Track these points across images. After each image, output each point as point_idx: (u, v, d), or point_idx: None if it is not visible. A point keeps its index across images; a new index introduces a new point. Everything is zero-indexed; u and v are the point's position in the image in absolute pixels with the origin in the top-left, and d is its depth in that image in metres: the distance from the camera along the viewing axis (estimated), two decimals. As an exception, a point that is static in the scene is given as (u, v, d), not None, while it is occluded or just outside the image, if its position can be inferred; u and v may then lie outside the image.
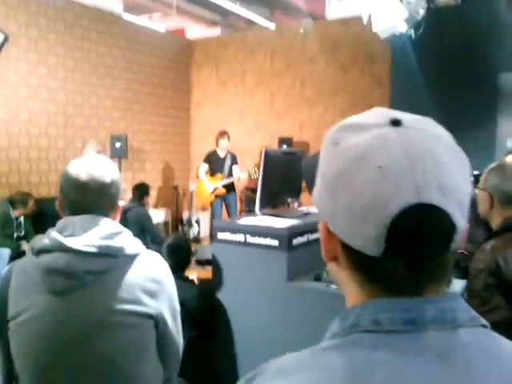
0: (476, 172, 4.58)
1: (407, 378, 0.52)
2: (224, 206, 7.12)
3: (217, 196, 7.02)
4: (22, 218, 5.42)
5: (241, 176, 6.98)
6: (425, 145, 0.56)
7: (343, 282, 0.64)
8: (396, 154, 0.55)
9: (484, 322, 0.59)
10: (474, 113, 5.42)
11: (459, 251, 0.65)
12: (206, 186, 7.05)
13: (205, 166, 7.18)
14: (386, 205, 0.54)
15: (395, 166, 0.54)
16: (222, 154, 7.08)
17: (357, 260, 0.59)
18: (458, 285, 2.34)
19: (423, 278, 0.58)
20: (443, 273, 0.59)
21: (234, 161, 7.13)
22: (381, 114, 0.61)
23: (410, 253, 0.56)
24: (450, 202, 0.54)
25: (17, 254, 4.90)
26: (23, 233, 5.40)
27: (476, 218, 3.53)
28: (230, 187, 7.07)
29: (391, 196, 0.54)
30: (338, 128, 0.62)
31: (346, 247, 0.59)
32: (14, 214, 5.29)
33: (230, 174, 6.99)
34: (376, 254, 0.56)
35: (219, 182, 6.95)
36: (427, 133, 0.58)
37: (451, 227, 0.55)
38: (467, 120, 5.42)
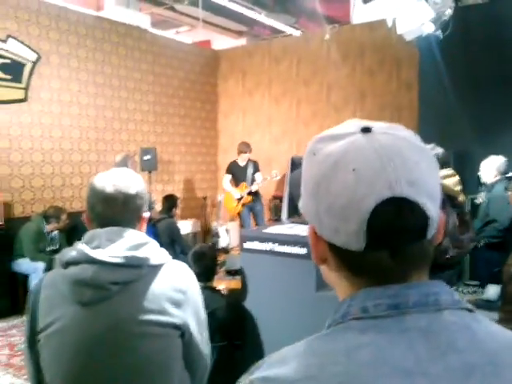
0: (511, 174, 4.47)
1: (392, 354, 0.57)
2: (252, 216, 7.14)
3: (244, 205, 7.04)
4: (55, 232, 5.55)
5: (257, 178, 6.96)
6: (393, 147, 0.62)
7: (334, 281, 0.69)
8: (368, 157, 0.60)
9: (469, 306, 0.63)
10: (504, 113, 5.27)
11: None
12: (232, 196, 7.09)
13: (228, 177, 7.23)
14: (362, 202, 0.59)
15: (368, 167, 0.60)
16: (242, 163, 7.10)
17: (343, 257, 0.64)
18: (492, 290, 2.27)
19: (405, 265, 0.62)
20: (424, 260, 0.64)
21: (256, 168, 7.14)
22: (353, 124, 0.67)
23: (389, 243, 0.60)
24: (420, 194, 0.59)
25: (50, 267, 5.03)
26: (57, 246, 5.53)
27: (462, 224, 3.46)
28: (255, 195, 7.07)
29: (367, 193, 0.59)
30: (316, 140, 0.68)
31: (332, 247, 0.65)
32: (47, 228, 5.42)
33: (254, 182, 7.01)
34: (359, 249, 0.61)
35: (244, 191, 6.97)
36: (395, 136, 0.63)
37: (424, 216, 0.60)
38: (497, 121, 5.28)
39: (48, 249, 5.45)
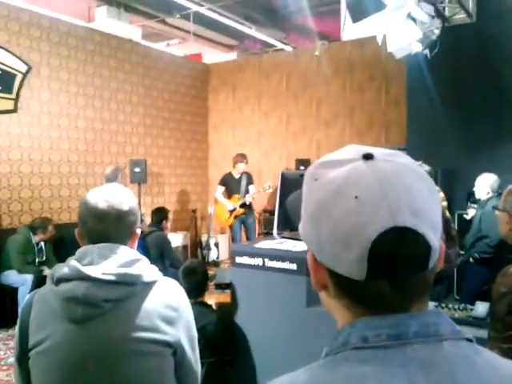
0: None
1: None
2: (243, 229, 7.13)
3: (236, 217, 7.04)
4: (42, 244, 5.49)
5: (251, 191, 6.98)
6: (395, 174, 0.61)
7: (333, 308, 0.68)
8: (370, 185, 0.60)
9: (469, 336, 0.62)
10: (491, 130, 5.36)
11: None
12: (224, 207, 7.08)
13: (221, 189, 7.23)
14: (364, 230, 0.58)
15: (370, 195, 0.60)
16: (237, 175, 7.13)
17: (343, 285, 0.63)
18: (481, 308, 2.28)
19: (406, 296, 0.62)
20: (425, 290, 0.64)
21: (250, 180, 7.16)
22: (354, 150, 0.66)
23: (391, 273, 0.60)
24: (422, 223, 0.59)
25: (39, 279, 4.98)
26: (44, 258, 5.47)
27: (449, 239, 3.50)
28: (247, 208, 7.07)
29: (369, 222, 0.58)
30: (317, 165, 0.68)
31: (332, 274, 0.64)
32: (34, 239, 5.37)
33: (247, 194, 7.02)
34: (360, 278, 0.60)
35: (237, 203, 6.98)
36: (396, 163, 0.63)
37: (426, 247, 0.59)
38: (485, 137, 5.36)
39: (36, 260, 5.39)
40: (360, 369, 0.58)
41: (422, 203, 0.60)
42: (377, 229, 0.58)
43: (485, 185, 4.55)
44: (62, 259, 1.38)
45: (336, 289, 0.65)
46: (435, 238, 0.60)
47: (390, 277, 0.60)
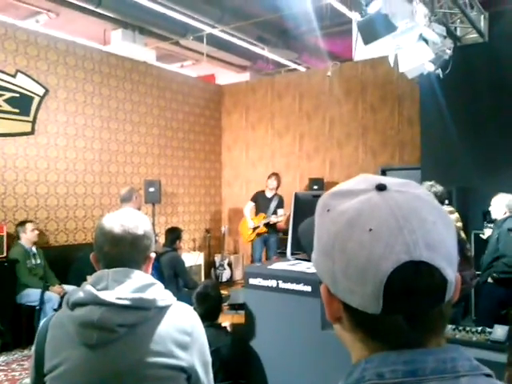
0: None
1: None
2: (265, 248, 7.15)
3: (258, 235, 7.06)
4: (34, 249, 5.61)
5: (279, 213, 7.01)
6: (409, 206, 0.61)
7: (348, 341, 0.67)
8: (384, 217, 0.59)
9: (488, 371, 0.60)
10: (505, 149, 5.32)
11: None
12: (248, 223, 7.12)
13: (251, 204, 7.30)
14: (380, 264, 0.57)
15: (384, 227, 0.58)
16: (269, 195, 7.18)
17: (358, 319, 0.62)
18: (500, 331, 2.24)
19: (422, 330, 0.61)
20: (441, 324, 0.63)
21: (281, 203, 7.18)
22: (367, 180, 0.66)
23: (407, 308, 0.59)
24: (438, 257, 0.58)
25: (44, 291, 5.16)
26: (39, 261, 5.59)
27: (464, 261, 3.45)
28: (271, 228, 7.09)
29: (384, 256, 0.57)
30: (329, 196, 0.68)
31: (347, 307, 0.63)
32: (25, 244, 5.52)
33: (273, 215, 7.04)
34: (375, 312, 0.59)
35: (261, 222, 7.01)
36: (410, 194, 0.63)
37: (443, 280, 0.58)
38: (499, 157, 5.33)
39: (33, 263, 5.51)
40: None
41: (436, 236, 0.59)
42: (392, 263, 0.57)
43: (501, 205, 4.52)
44: (76, 282, 1.39)
45: (351, 322, 0.64)
46: (451, 270, 0.59)
47: (405, 311, 0.59)
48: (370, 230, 0.59)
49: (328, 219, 0.64)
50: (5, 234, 5.46)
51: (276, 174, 7.26)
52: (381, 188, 0.63)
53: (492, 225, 4.74)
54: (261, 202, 7.22)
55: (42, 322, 1.44)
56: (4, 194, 5.82)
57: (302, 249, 3.06)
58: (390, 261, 0.57)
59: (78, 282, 1.40)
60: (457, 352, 0.61)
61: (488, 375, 0.60)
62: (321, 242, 0.65)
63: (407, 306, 0.58)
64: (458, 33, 5.49)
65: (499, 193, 4.57)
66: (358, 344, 0.64)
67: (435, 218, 0.61)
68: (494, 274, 4.34)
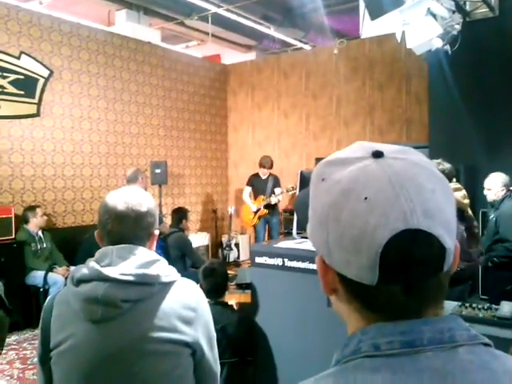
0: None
1: None
2: (267, 229, 7.19)
3: (260, 218, 7.10)
4: (40, 232, 5.64)
5: (276, 192, 7.03)
6: (407, 173, 0.58)
7: (344, 312, 0.65)
8: (380, 185, 0.57)
9: (486, 340, 0.59)
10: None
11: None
12: (250, 207, 7.16)
13: (248, 190, 7.32)
14: (375, 234, 0.55)
15: (380, 196, 0.56)
16: (263, 177, 7.17)
17: (354, 290, 0.60)
18: (506, 307, 2.24)
19: (420, 300, 0.59)
20: (439, 294, 0.61)
21: (277, 183, 7.22)
22: (362, 147, 0.63)
23: (404, 278, 0.57)
24: (436, 225, 0.56)
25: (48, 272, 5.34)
26: (45, 245, 5.64)
27: (471, 237, 3.40)
28: (272, 209, 7.12)
29: (379, 225, 0.55)
30: (324, 164, 0.65)
31: (342, 278, 0.61)
32: (31, 229, 5.54)
33: (272, 195, 7.06)
34: (371, 283, 0.57)
35: (261, 204, 7.05)
36: (408, 161, 0.60)
37: (441, 249, 0.56)
38: (508, 134, 5.26)
39: (39, 248, 5.56)
40: (372, 378, 0.55)
41: (435, 203, 0.57)
42: (388, 232, 0.54)
43: (497, 184, 4.27)
44: (84, 263, 1.39)
45: (346, 293, 0.62)
46: (450, 239, 0.57)
47: (402, 281, 0.57)
48: (366, 198, 0.56)
49: (322, 189, 0.62)
50: (13, 215, 5.50)
51: (269, 161, 7.18)
52: (377, 155, 0.60)
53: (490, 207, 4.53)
54: (257, 184, 7.23)
55: (47, 299, 1.45)
56: (11, 176, 5.85)
57: (300, 223, 3.05)
58: (385, 230, 0.55)
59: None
60: (455, 322, 0.59)
61: (487, 344, 0.59)
62: (315, 212, 0.63)
63: (404, 275, 0.56)
64: (468, 7, 5.38)
65: (491, 173, 4.35)
66: (354, 315, 0.63)
67: (434, 185, 0.58)
68: (494, 259, 4.18)
